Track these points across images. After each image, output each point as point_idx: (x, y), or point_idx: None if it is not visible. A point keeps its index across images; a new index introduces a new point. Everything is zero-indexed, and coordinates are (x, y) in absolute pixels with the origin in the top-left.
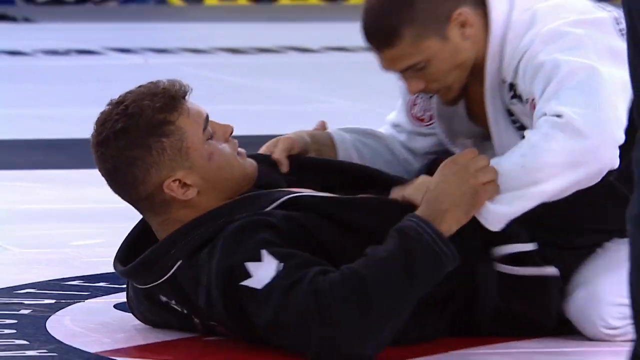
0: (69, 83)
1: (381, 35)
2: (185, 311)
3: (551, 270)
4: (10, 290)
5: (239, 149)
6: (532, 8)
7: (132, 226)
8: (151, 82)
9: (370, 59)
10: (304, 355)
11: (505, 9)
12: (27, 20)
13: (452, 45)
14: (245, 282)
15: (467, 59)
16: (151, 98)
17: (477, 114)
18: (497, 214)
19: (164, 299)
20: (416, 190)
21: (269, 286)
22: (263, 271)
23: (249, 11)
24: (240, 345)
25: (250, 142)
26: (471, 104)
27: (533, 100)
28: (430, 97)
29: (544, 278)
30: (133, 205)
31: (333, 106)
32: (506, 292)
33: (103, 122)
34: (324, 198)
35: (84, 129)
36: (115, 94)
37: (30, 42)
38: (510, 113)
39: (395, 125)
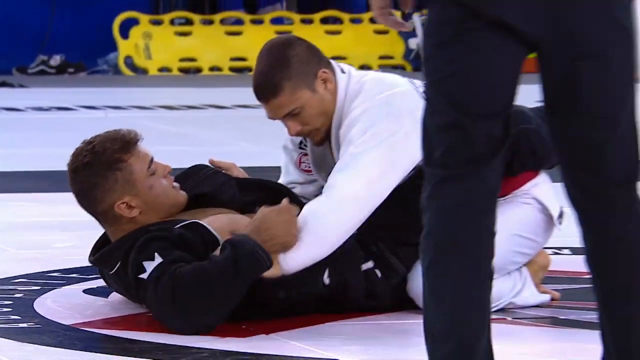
0: (51, 131)
1: (267, 89)
2: (132, 291)
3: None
4: (7, 280)
5: (174, 183)
6: (361, 80)
7: (96, 235)
8: (115, 130)
9: (265, 114)
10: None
11: (345, 78)
12: (21, 86)
13: (319, 96)
14: (141, 275)
15: (329, 108)
16: (112, 141)
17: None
18: (296, 262)
19: (119, 281)
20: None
21: (149, 277)
22: (151, 267)
23: (180, 79)
24: None
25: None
26: (333, 150)
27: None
28: (307, 154)
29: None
30: (94, 217)
31: (239, 148)
32: (367, 292)
33: (76, 155)
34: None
35: (62, 164)
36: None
37: (23, 102)
38: None
39: (289, 183)
